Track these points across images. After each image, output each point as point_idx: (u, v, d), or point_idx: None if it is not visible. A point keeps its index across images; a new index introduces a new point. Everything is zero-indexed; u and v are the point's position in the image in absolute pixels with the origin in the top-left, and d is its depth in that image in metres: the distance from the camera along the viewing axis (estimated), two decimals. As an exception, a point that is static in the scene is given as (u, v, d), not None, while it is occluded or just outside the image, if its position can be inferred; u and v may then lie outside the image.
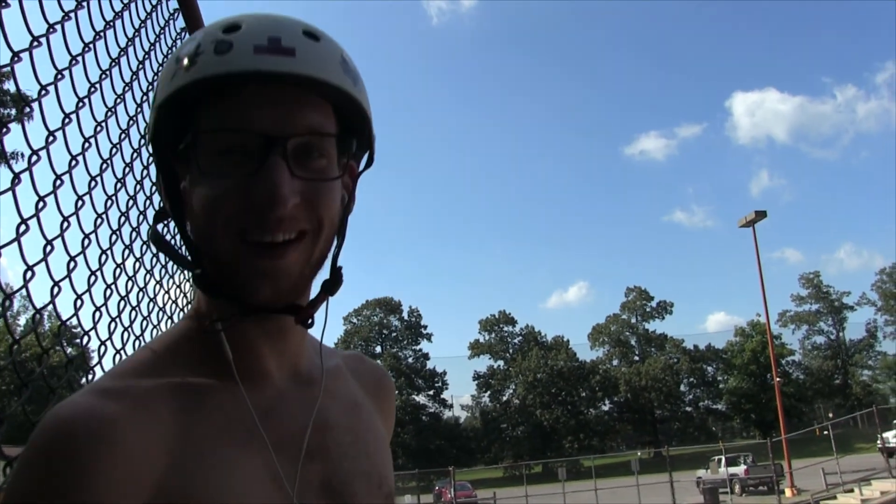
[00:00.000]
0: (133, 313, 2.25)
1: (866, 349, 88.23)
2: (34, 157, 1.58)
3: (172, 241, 1.17)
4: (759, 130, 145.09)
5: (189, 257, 1.06)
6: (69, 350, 1.85)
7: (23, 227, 1.53)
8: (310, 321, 1.06)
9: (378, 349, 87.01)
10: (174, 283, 2.68)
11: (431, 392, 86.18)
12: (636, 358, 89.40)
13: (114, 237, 2.02)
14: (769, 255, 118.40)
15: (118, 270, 2.05)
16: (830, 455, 28.62)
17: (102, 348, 1.94)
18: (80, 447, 0.85)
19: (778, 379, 38.40)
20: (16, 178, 1.52)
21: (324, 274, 1.09)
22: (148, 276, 2.32)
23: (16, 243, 1.51)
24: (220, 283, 1.01)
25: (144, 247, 2.29)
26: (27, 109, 1.59)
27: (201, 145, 0.98)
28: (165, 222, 1.15)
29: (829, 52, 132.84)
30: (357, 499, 1.08)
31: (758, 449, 39.98)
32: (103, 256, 1.94)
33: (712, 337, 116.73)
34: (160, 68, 2.27)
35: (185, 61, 0.96)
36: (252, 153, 0.96)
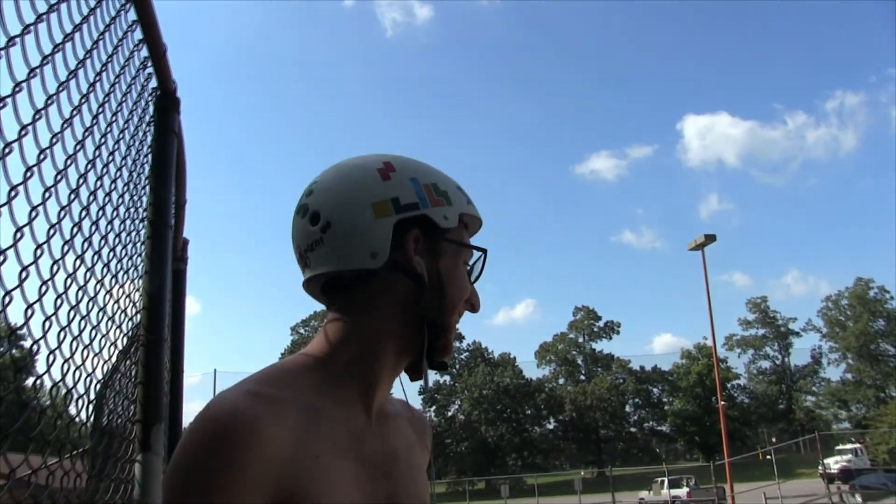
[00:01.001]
0: (72, 313, 2.15)
1: (811, 375, 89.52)
2: None
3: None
4: (710, 154, 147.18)
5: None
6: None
7: None
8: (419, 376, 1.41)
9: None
10: (117, 283, 2.62)
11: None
12: (582, 377, 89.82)
13: (52, 231, 1.93)
14: (717, 278, 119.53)
15: (56, 267, 1.96)
16: (772, 479, 29.11)
17: (35, 347, 1.89)
18: (235, 442, 1.08)
19: (723, 402, 38.77)
20: None
21: None
22: (88, 273, 2.24)
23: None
24: (439, 337, 1.36)
25: (85, 244, 2.22)
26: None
27: (460, 251, 1.42)
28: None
29: (782, 78, 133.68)
30: None
31: (701, 472, 40.46)
32: (38, 250, 1.86)
33: (659, 358, 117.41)
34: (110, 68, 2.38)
35: (468, 199, 1.45)
36: (470, 268, 1.46)
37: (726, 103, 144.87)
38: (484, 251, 1.45)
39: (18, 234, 1.64)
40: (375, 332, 1.34)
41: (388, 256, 1.31)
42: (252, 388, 1.18)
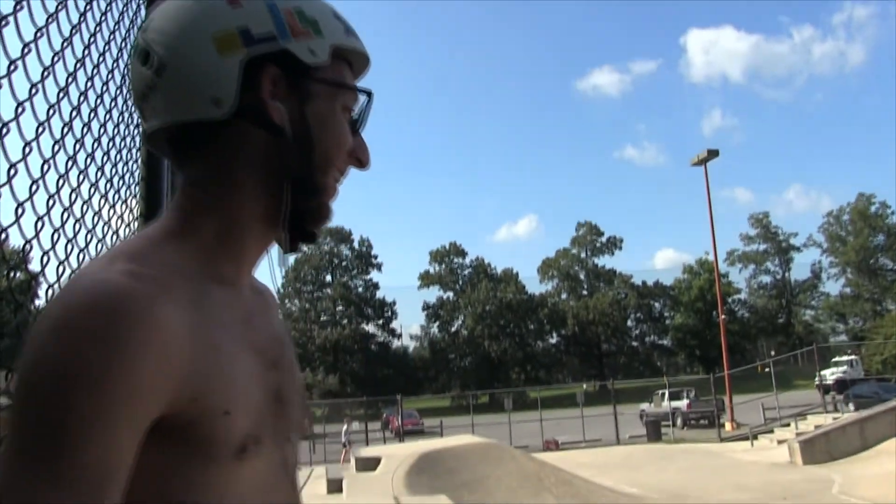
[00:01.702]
0: (77, 225, 2.17)
1: (810, 289, 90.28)
2: None
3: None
4: (714, 69, 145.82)
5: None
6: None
7: None
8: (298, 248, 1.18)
9: (328, 278, 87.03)
10: (119, 197, 2.61)
11: (381, 321, 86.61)
12: (584, 292, 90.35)
13: (56, 147, 1.93)
14: (719, 194, 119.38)
15: (62, 181, 1.97)
16: (770, 391, 29.39)
17: (45, 258, 1.88)
18: (131, 325, 0.85)
19: (723, 316, 39.16)
20: None
21: None
22: (92, 189, 2.26)
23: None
24: (309, 199, 1.12)
25: (88, 160, 2.23)
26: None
27: (337, 94, 1.15)
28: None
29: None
30: (295, 407, 1.18)
31: (701, 384, 40.87)
32: (45, 165, 1.87)
33: (660, 274, 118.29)
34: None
35: (349, 28, 1.18)
36: (354, 113, 1.19)
37: (731, 17, 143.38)
38: (368, 93, 1.19)
39: (27, 149, 1.65)
40: (235, 196, 1.11)
41: (237, 103, 1.06)
42: (128, 265, 0.95)
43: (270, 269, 1.21)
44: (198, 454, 0.95)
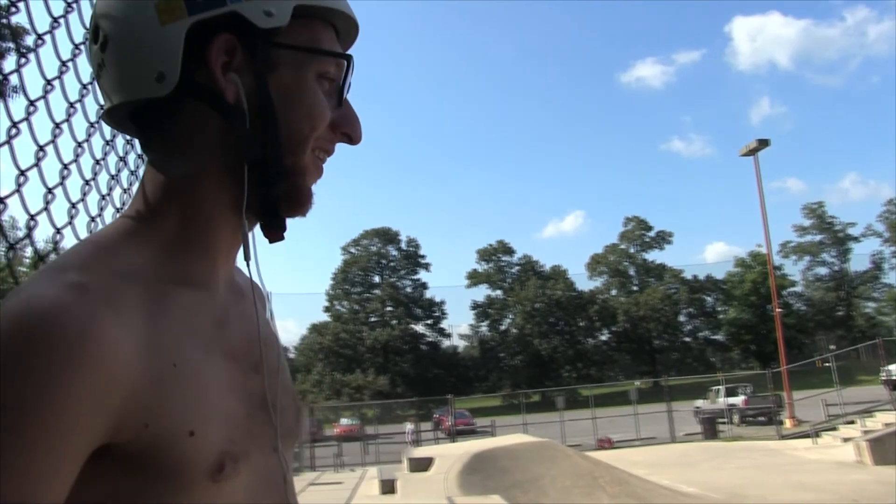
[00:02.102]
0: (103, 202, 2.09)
1: (871, 281, 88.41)
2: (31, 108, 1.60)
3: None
4: (761, 56, 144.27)
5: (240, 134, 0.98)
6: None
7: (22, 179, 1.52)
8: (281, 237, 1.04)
9: (377, 279, 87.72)
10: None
11: (430, 321, 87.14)
12: (634, 288, 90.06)
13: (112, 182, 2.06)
14: (770, 185, 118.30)
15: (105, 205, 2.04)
16: (831, 387, 28.65)
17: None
18: (65, 347, 0.74)
19: (779, 310, 38.34)
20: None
21: None
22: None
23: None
24: (276, 184, 0.99)
25: (132, 176, 2.20)
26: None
27: (308, 61, 1.01)
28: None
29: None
30: (286, 414, 1.08)
31: (757, 380, 40.18)
32: (103, 202, 1.96)
33: (712, 267, 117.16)
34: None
35: None
36: (336, 80, 1.04)
37: (778, 2, 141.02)
38: (346, 57, 1.04)
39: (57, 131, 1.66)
40: (198, 183, 0.98)
41: (181, 77, 0.93)
42: (74, 276, 0.82)
43: (249, 262, 1.03)
44: (162, 482, 0.84)
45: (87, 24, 1.66)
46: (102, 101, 1.04)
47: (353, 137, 1.06)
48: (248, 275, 1.08)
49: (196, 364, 0.90)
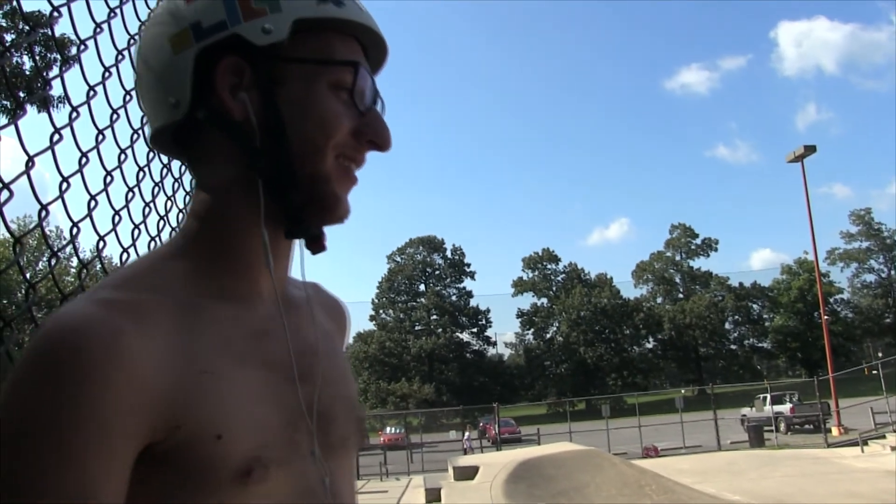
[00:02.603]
0: (161, 223, 2.18)
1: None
2: (74, 114, 1.53)
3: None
4: (807, 62, 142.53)
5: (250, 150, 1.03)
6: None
7: (64, 185, 1.49)
8: (322, 247, 1.08)
9: (422, 287, 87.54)
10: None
11: (475, 330, 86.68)
12: (680, 295, 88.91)
13: (156, 189, 2.03)
14: (816, 191, 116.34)
15: (149, 212, 1.97)
16: (879, 394, 28.35)
17: (125, 255, 1.88)
18: (92, 359, 0.82)
19: (826, 317, 37.91)
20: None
21: None
22: (181, 214, 2.25)
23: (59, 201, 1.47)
24: (300, 191, 1.02)
25: (176, 184, 2.27)
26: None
27: (320, 72, 1.03)
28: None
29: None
30: (338, 422, 1.11)
31: (804, 387, 39.77)
32: (146, 208, 1.96)
33: (758, 275, 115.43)
34: None
35: None
36: (355, 90, 1.05)
37: (824, 7, 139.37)
38: (352, 64, 1.05)
39: (100, 137, 1.62)
40: (227, 200, 1.05)
41: (194, 102, 1.02)
42: (106, 294, 0.92)
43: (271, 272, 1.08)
44: (193, 482, 0.90)
45: (131, 30, 1.80)
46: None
47: (378, 144, 1.08)
48: (301, 285, 1.22)
49: (226, 373, 0.95)
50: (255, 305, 1.06)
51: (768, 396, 36.16)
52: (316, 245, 1.07)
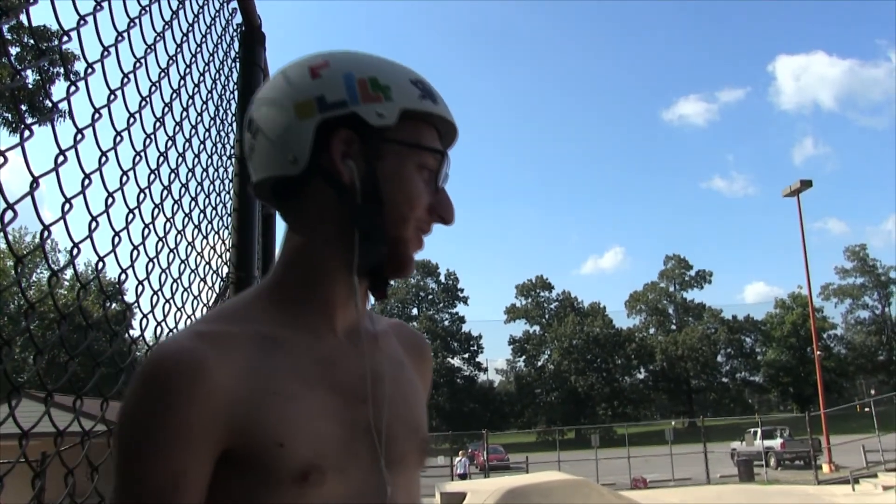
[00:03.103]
0: (175, 285, 2.26)
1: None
2: (79, 136, 1.57)
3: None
4: (804, 96, 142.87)
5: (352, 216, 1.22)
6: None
7: (67, 206, 1.54)
8: (385, 295, 1.31)
9: (415, 311, 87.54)
10: (207, 243, 2.65)
11: (466, 355, 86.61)
12: (673, 327, 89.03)
13: (156, 211, 2.04)
14: (811, 225, 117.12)
15: (148, 233, 2.05)
16: (871, 432, 28.34)
17: (140, 288, 1.99)
18: (181, 381, 1.05)
19: (819, 352, 37.92)
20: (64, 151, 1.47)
21: None
22: (179, 236, 2.32)
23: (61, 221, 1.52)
24: (380, 251, 1.21)
25: (182, 190, 2.34)
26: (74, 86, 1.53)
27: (412, 154, 1.24)
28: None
29: (885, 12, 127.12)
30: (399, 441, 1.25)
31: (795, 423, 39.77)
32: (146, 230, 1.97)
33: (751, 308, 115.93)
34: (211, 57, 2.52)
35: (426, 93, 1.26)
36: (435, 172, 1.27)
37: (823, 42, 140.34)
38: (441, 152, 1.28)
39: (124, 178, 1.64)
40: (314, 248, 1.25)
41: (310, 161, 1.20)
42: (199, 327, 1.15)
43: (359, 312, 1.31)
44: (263, 481, 1.09)
45: (137, 53, 1.83)
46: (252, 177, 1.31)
47: (446, 220, 1.28)
48: (378, 319, 1.41)
49: (292, 393, 1.14)
50: (327, 336, 1.24)
51: (759, 431, 36.07)
52: (381, 292, 1.30)
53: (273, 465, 1.09)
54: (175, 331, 2.28)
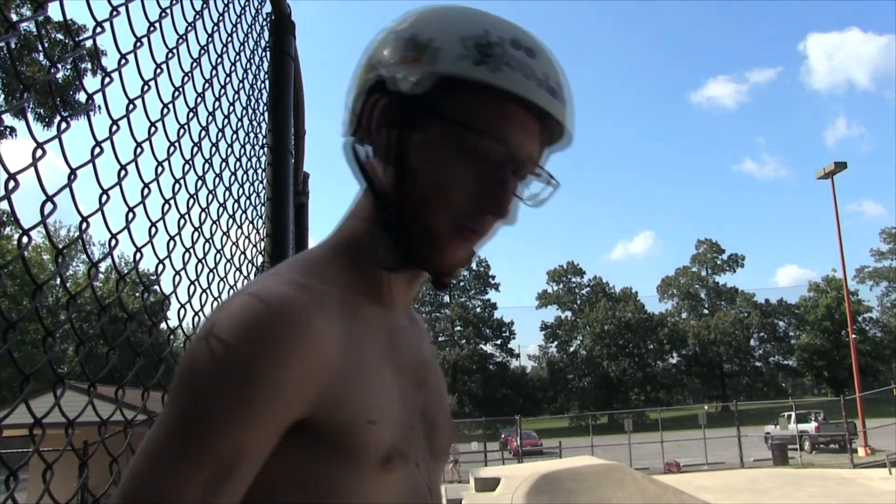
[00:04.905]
0: (211, 275, 2.26)
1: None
2: (114, 127, 1.56)
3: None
4: (838, 75, 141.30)
5: (381, 195, 1.12)
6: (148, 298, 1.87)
7: (105, 198, 1.52)
8: (447, 285, 1.17)
9: (446, 298, 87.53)
10: (242, 232, 2.65)
11: (499, 341, 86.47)
12: (705, 311, 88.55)
13: (191, 201, 2.04)
14: (845, 208, 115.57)
15: (184, 224, 2.08)
16: (907, 416, 28.01)
17: (177, 278, 1.98)
18: (286, 331, 0.93)
19: (854, 336, 37.58)
20: (98, 145, 1.49)
21: None
22: (214, 226, 2.31)
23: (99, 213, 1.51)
24: (409, 235, 1.09)
25: (217, 180, 2.32)
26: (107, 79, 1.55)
27: (463, 132, 1.05)
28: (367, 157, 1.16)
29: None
30: (441, 430, 1.22)
31: (830, 406, 39.42)
32: (181, 220, 1.97)
33: (784, 292, 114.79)
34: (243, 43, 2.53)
35: (486, 57, 1.03)
36: (495, 161, 1.07)
37: (857, 18, 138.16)
38: (498, 140, 1.07)
39: (138, 150, 1.65)
40: (365, 219, 1.16)
41: (354, 126, 1.14)
42: (295, 278, 1.03)
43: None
44: (345, 460, 0.98)
45: (169, 44, 1.85)
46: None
47: (493, 213, 1.08)
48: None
49: (376, 366, 1.05)
50: (392, 312, 1.16)
51: (793, 415, 35.76)
52: (438, 281, 1.15)
53: (359, 445, 0.99)
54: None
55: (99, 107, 1.56)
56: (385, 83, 1.08)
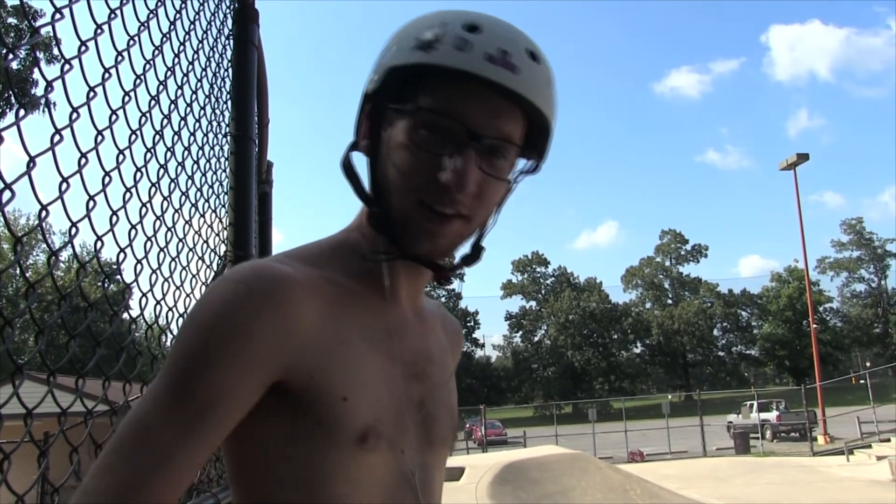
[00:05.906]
0: (173, 264, 2.26)
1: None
2: (74, 115, 1.55)
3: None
4: (800, 67, 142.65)
5: (370, 193, 1.18)
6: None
7: (64, 186, 1.52)
8: (446, 280, 1.24)
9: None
10: (205, 221, 2.63)
11: (463, 331, 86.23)
12: (669, 301, 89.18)
13: (153, 190, 2.02)
14: (807, 199, 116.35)
15: (146, 212, 2.05)
16: (866, 404, 28.43)
17: (139, 267, 1.97)
18: (269, 295, 1.02)
19: (815, 325, 38.02)
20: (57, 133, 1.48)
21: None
22: (176, 215, 2.31)
23: (59, 201, 1.50)
24: (390, 227, 1.14)
25: (179, 168, 2.31)
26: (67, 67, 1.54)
27: (416, 115, 1.10)
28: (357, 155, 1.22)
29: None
30: (440, 423, 1.26)
31: (791, 395, 39.92)
32: (143, 209, 1.96)
33: (747, 282, 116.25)
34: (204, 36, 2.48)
35: (426, 42, 1.09)
36: (453, 138, 1.09)
37: (819, 10, 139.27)
38: (440, 112, 1.09)
39: (99, 138, 1.63)
40: (362, 221, 1.24)
41: (358, 134, 1.20)
42: (284, 260, 1.13)
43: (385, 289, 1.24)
44: (325, 436, 1.06)
45: (130, 32, 1.83)
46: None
47: (454, 186, 1.08)
48: (432, 301, 1.42)
49: (359, 350, 1.11)
50: (392, 306, 1.21)
51: (755, 404, 36.24)
52: (437, 275, 1.22)
53: (336, 419, 1.07)
54: (174, 309, 2.28)
55: (55, 103, 1.55)
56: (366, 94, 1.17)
